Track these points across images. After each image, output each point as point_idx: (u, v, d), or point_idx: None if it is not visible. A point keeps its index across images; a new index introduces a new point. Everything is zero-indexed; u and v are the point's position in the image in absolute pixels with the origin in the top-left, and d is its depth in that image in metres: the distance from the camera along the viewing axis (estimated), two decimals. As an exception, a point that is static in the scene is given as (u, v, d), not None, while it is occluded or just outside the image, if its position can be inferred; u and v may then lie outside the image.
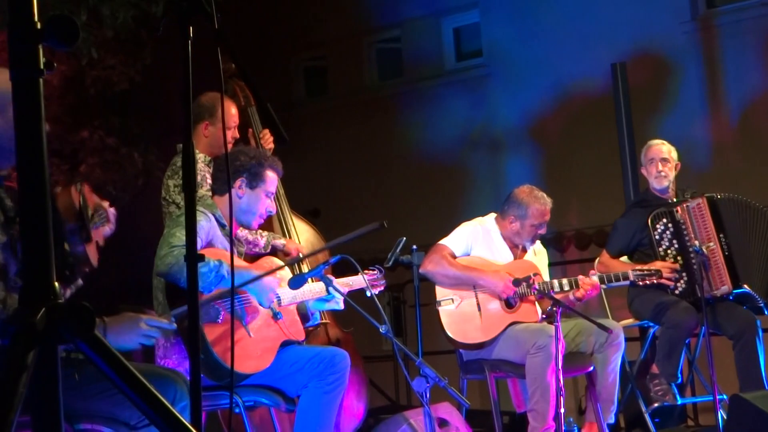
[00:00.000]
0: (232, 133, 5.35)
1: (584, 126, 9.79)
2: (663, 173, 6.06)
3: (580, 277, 5.51)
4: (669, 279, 5.77)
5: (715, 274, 5.82)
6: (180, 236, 4.10)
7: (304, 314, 4.71)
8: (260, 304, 4.36)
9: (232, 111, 5.34)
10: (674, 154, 6.13)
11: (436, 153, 10.70)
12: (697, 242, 5.77)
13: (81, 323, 1.84)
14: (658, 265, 5.81)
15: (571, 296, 5.47)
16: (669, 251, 5.91)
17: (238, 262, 4.43)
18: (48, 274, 1.84)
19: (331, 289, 4.49)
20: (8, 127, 2.61)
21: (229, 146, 5.05)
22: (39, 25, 1.82)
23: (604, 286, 5.55)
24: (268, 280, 4.34)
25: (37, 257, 1.84)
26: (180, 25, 2.53)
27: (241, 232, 5.02)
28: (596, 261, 6.19)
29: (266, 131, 5.75)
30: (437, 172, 10.65)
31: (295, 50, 12.12)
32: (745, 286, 5.81)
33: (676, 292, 5.88)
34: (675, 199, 6.07)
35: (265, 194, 4.56)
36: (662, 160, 6.08)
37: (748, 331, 5.71)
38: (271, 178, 4.59)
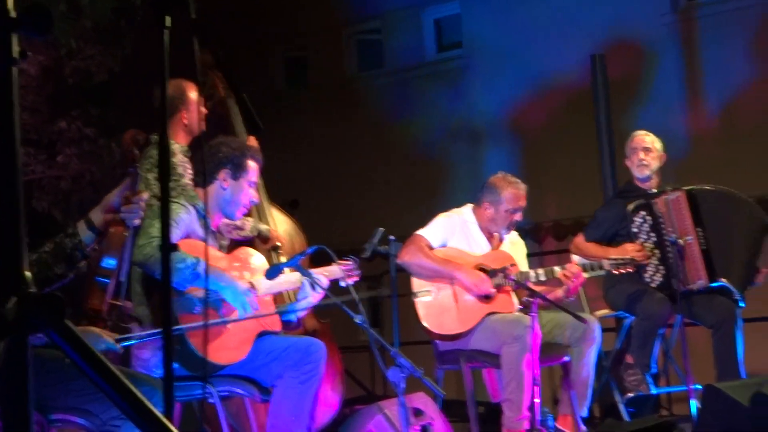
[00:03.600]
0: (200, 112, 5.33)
1: (563, 117, 9.83)
2: (645, 162, 6.10)
3: (558, 268, 5.52)
4: (641, 259, 5.78)
5: (691, 267, 5.85)
6: (159, 227, 4.10)
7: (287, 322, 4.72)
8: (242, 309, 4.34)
9: (194, 95, 5.30)
10: (658, 145, 6.16)
11: (415, 144, 10.72)
12: (674, 235, 5.80)
13: (52, 313, 1.85)
14: (628, 248, 5.85)
15: (559, 293, 5.48)
16: (647, 244, 5.94)
17: (215, 260, 4.41)
18: (18, 263, 1.84)
19: (307, 280, 4.50)
20: None
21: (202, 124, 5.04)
22: (13, 14, 1.82)
23: (586, 274, 5.57)
24: (243, 285, 4.33)
25: (7, 246, 1.84)
26: (156, 14, 2.53)
27: (224, 219, 5.03)
28: (571, 244, 6.23)
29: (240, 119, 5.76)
30: (417, 162, 10.67)
31: (276, 41, 12.10)
32: (723, 280, 5.84)
33: (653, 285, 5.91)
34: (657, 191, 6.09)
35: (248, 184, 4.58)
36: (644, 149, 6.12)
37: (728, 321, 5.74)
38: (253, 168, 4.62)
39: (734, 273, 5.89)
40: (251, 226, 5.39)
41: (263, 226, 5.52)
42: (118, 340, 3.49)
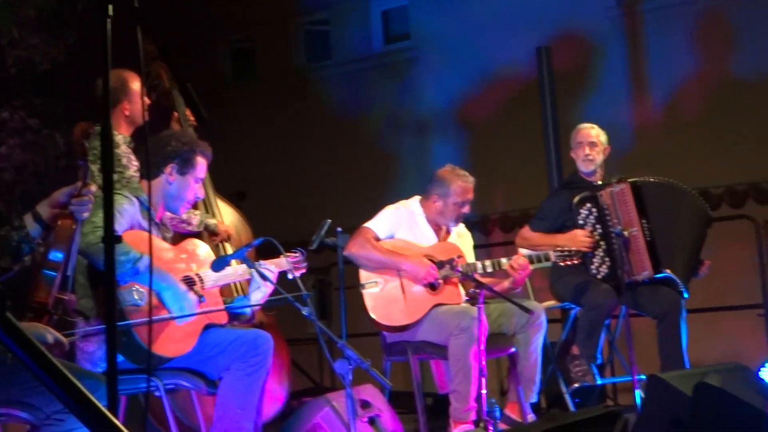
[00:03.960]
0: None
1: (510, 109, 9.88)
2: (590, 157, 6.13)
3: (505, 259, 5.54)
4: (587, 247, 5.82)
5: (636, 259, 5.90)
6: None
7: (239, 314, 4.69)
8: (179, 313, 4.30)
9: (136, 86, 5.24)
10: (603, 138, 6.20)
11: (362, 136, 10.71)
12: (619, 227, 5.85)
13: (-8, 304, 1.82)
14: (578, 234, 5.88)
15: (506, 284, 5.50)
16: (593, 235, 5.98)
17: (160, 246, 4.37)
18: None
19: (254, 272, 4.48)
20: None
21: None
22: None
23: (533, 266, 5.60)
24: (183, 288, 4.30)
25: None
26: (100, 3, 2.50)
27: (166, 218, 4.99)
28: (517, 235, 6.26)
29: (187, 110, 5.72)
30: (364, 154, 10.67)
31: (223, 32, 12.03)
32: (667, 271, 5.90)
33: (599, 276, 5.95)
34: (601, 182, 6.13)
35: (194, 180, 4.53)
36: (590, 143, 6.15)
37: (672, 312, 5.80)
38: (201, 164, 4.56)
39: (678, 264, 5.94)
40: (199, 221, 5.36)
41: (211, 220, 5.49)
42: (67, 336, 3.45)
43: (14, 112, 8.34)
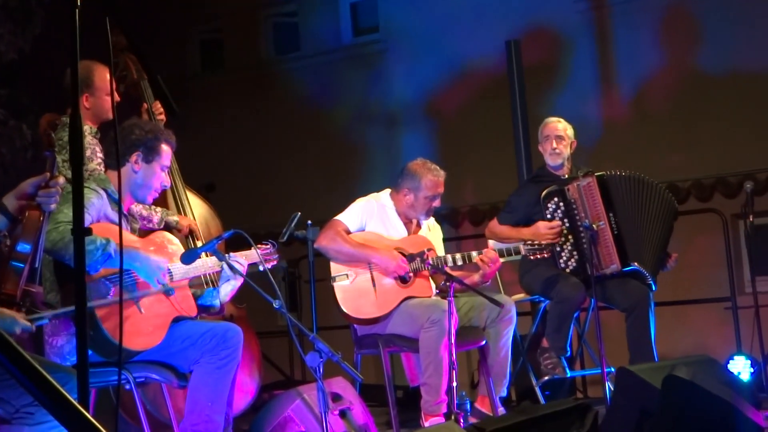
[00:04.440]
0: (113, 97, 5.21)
1: (479, 103, 9.88)
2: (557, 150, 6.15)
3: (475, 252, 5.54)
4: (550, 239, 5.83)
5: (604, 252, 5.93)
6: (66, 212, 4.02)
7: (204, 302, 4.66)
8: (155, 285, 4.30)
9: (107, 76, 5.20)
10: (570, 132, 6.22)
11: (332, 128, 10.68)
12: (587, 220, 5.87)
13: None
14: (540, 226, 5.91)
15: (476, 278, 5.51)
16: (561, 230, 5.99)
17: (128, 238, 4.35)
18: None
19: (224, 264, 4.46)
20: None
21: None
22: None
23: (503, 259, 5.61)
24: (157, 259, 4.29)
25: None
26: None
27: (135, 207, 4.95)
28: (486, 228, 6.28)
29: (157, 102, 5.68)
30: (333, 147, 10.64)
31: (191, 22, 11.95)
32: (635, 264, 5.93)
33: (568, 270, 5.97)
34: (568, 176, 6.15)
35: (160, 168, 4.51)
36: (557, 137, 6.17)
37: (641, 304, 5.82)
38: (166, 152, 4.55)
39: (646, 257, 5.98)
40: (159, 218, 5.32)
41: (172, 218, 5.44)
42: (31, 320, 3.41)
43: (-19, 103, 8.26)
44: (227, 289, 4.62)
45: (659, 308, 6.00)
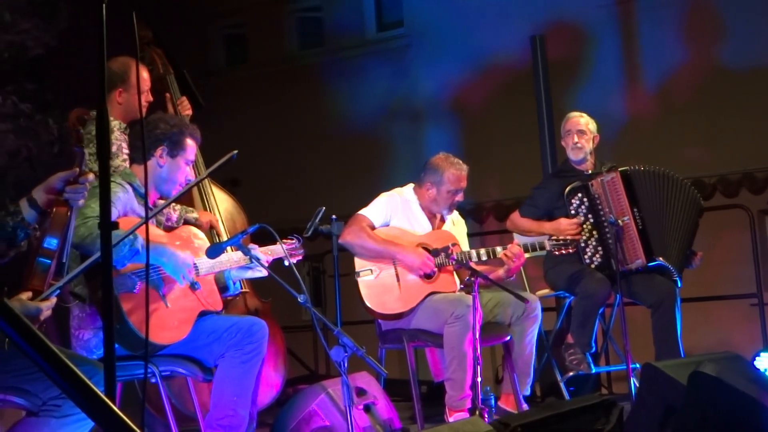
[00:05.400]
0: (146, 97, 5.23)
1: (503, 98, 9.85)
2: (579, 145, 6.13)
3: (500, 248, 5.54)
4: (571, 235, 5.81)
5: (629, 247, 5.90)
6: (95, 207, 4.03)
7: (223, 285, 4.69)
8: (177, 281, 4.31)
9: (144, 75, 5.23)
10: (592, 126, 6.19)
11: (356, 123, 10.68)
12: (611, 215, 5.85)
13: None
14: (562, 222, 5.90)
15: (501, 272, 5.50)
16: (585, 225, 5.98)
17: (154, 233, 4.37)
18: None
19: (252, 257, 4.46)
20: None
21: (144, 110, 4.95)
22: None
23: (527, 255, 5.60)
24: (184, 256, 4.30)
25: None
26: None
27: (159, 203, 4.97)
28: (508, 219, 6.27)
29: (184, 98, 5.70)
30: (357, 142, 10.64)
31: (215, 17, 11.98)
32: (660, 259, 5.90)
33: (593, 265, 5.95)
34: (592, 171, 6.13)
35: (185, 162, 4.53)
36: (579, 132, 6.15)
37: (667, 300, 5.80)
38: (191, 146, 4.56)
39: (671, 252, 5.95)
40: (178, 216, 5.34)
41: (192, 215, 5.46)
42: (43, 300, 3.40)
43: (7, 97, 8.28)
44: (244, 274, 4.65)
45: (684, 305, 5.95)
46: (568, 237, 5.72)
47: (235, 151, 4.28)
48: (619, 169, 6.00)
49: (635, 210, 5.93)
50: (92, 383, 1.90)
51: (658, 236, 5.94)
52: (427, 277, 5.50)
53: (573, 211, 5.98)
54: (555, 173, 6.46)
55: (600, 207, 5.95)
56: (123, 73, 5.11)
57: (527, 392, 5.58)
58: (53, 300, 3.31)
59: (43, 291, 3.27)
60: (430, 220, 5.72)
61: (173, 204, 5.17)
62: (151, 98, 5.31)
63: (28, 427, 3.28)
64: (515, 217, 6.19)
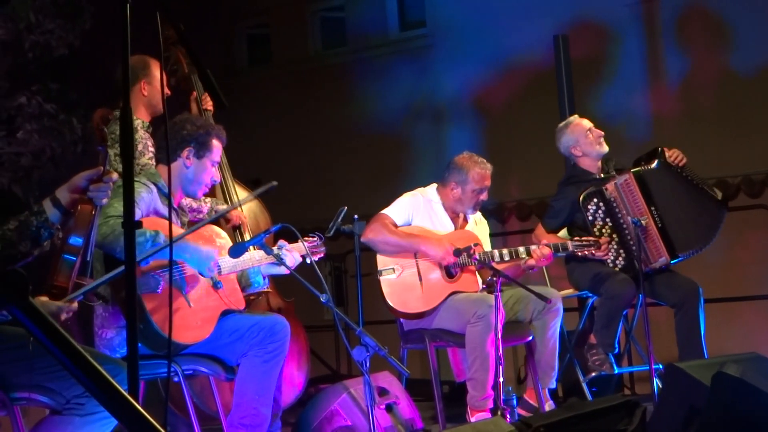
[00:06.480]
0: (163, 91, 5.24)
1: (526, 97, 9.83)
2: (602, 137, 6.12)
3: (522, 248, 5.54)
4: (605, 254, 5.80)
5: (651, 246, 5.87)
6: (117, 206, 4.05)
7: (246, 284, 4.70)
8: (201, 275, 4.34)
9: (157, 71, 5.25)
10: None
11: (378, 123, 10.68)
12: (629, 217, 5.82)
13: (16, 290, 1.82)
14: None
15: (522, 264, 5.51)
16: (604, 230, 5.93)
17: (177, 232, 4.38)
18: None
19: (274, 256, 4.47)
20: None
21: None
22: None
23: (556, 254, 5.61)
24: (207, 249, 4.32)
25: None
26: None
27: (185, 200, 4.99)
28: (533, 234, 6.24)
29: (207, 96, 5.73)
30: (380, 141, 10.64)
31: (238, 17, 12.01)
32: (683, 255, 5.88)
33: (617, 268, 5.92)
34: (601, 173, 6.09)
35: (210, 163, 4.55)
36: (594, 127, 6.15)
37: (691, 300, 5.77)
38: (217, 147, 4.58)
39: (692, 240, 5.92)
40: (209, 208, 5.36)
41: (222, 207, 5.48)
42: (68, 301, 3.42)
43: (31, 97, 8.33)
44: (272, 270, 4.67)
45: (708, 305, 5.92)
46: (591, 238, 5.71)
47: (275, 183, 4.32)
48: (632, 171, 5.97)
49: (652, 209, 5.90)
50: (116, 382, 1.91)
51: (678, 231, 5.91)
52: (449, 276, 5.50)
53: (590, 217, 5.94)
54: (567, 180, 6.33)
55: (617, 210, 5.92)
56: (145, 66, 5.15)
57: (552, 385, 5.58)
58: (75, 305, 3.33)
59: (68, 288, 3.29)
60: (453, 220, 5.72)
61: (204, 197, 5.18)
62: (168, 92, 5.33)
63: (52, 426, 3.30)
64: (541, 233, 6.09)
